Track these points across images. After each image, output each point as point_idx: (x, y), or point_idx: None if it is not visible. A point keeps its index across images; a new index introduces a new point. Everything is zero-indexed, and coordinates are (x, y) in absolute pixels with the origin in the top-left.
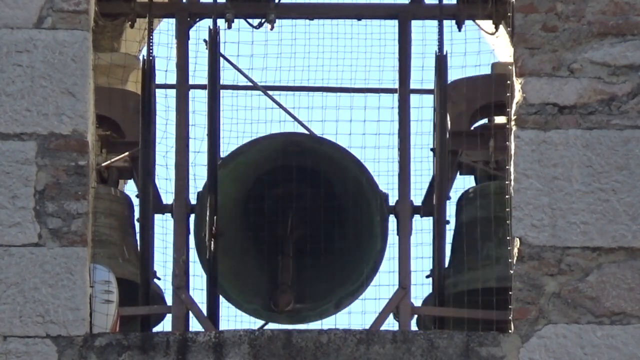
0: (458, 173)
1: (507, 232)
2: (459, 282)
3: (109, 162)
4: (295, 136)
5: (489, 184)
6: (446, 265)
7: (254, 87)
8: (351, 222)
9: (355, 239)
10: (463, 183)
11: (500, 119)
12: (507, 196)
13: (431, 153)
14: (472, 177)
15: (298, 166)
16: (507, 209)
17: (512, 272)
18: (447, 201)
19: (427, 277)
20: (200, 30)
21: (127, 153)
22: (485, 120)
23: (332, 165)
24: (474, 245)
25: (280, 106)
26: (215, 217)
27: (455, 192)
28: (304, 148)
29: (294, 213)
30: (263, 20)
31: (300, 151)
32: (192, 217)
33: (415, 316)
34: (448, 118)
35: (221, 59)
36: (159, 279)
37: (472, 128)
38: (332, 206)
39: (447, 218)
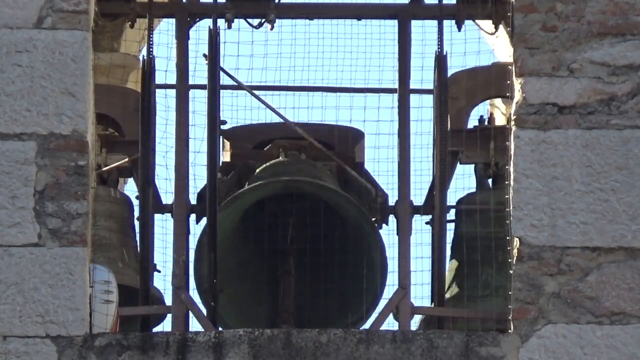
0: (458, 163)
1: (507, 233)
2: (459, 316)
3: (109, 167)
4: (295, 183)
5: (488, 198)
6: (445, 270)
7: (239, 87)
8: (351, 259)
9: (355, 273)
10: (463, 183)
11: (499, 116)
12: (506, 196)
13: (431, 153)
14: (471, 177)
15: (297, 208)
16: (507, 209)
17: (511, 272)
18: (447, 202)
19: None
20: (200, 30)
21: (126, 159)
22: (485, 110)
23: (332, 212)
24: (473, 266)
25: (268, 106)
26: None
27: (455, 193)
28: (304, 192)
29: (293, 239)
30: (263, 20)
31: (300, 195)
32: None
33: (417, 317)
34: (448, 118)
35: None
36: (158, 271)
37: (472, 125)
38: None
39: (447, 218)
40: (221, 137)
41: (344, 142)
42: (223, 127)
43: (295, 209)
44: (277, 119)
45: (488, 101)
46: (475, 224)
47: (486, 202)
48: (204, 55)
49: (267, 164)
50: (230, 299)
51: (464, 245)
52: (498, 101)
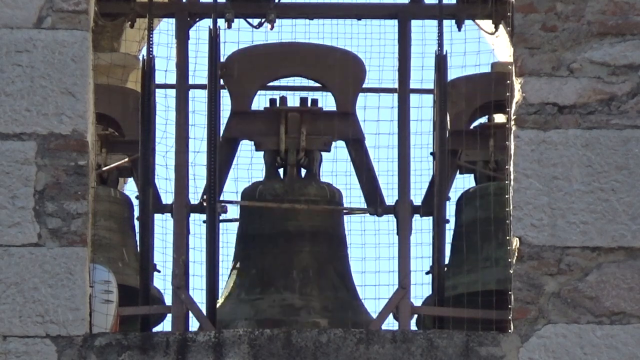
0: (458, 172)
1: (507, 233)
2: (459, 284)
3: (109, 167)
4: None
5: (488, 184)
6: (446, 264)
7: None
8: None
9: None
10: (463, 183)
11: (500, 118)
12: (506, 196)
13: (430, 152)
14: (471, 177)
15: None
16: (506, 209)
17: (511, 271)
18: (447, 201)
19: (427, 273)
20: (200, 30)
21: (126, 159)
22: (485, 119)
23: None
24: (474, 246)
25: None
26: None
27: (455, 192)
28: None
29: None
30: (263, 20)
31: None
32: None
33: (415, 316)
34: (448, 118)
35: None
36: (158, 271)
37: (471, 127)
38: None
39: (447, 217)
40: (221, 80)
41: (344, 88)
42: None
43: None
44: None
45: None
46: (475, 209)
47: (486, 190)
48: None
49: (262, 214)
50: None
51: (463, 226)
52: (498, 116)
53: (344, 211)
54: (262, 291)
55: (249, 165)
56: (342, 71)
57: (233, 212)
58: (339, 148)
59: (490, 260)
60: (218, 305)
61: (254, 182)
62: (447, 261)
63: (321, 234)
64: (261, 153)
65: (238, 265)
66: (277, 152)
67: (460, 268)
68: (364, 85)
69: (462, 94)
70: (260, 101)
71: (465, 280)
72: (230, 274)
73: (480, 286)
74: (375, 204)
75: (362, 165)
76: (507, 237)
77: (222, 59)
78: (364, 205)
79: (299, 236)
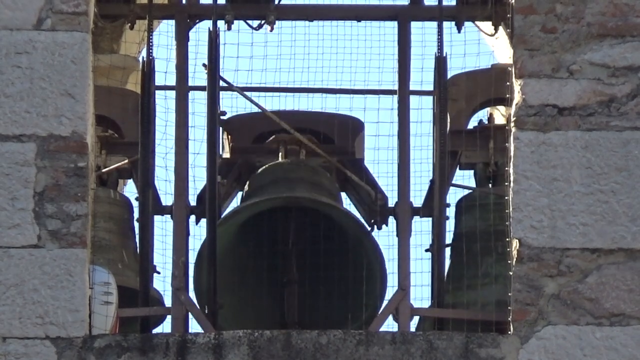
0: (458, 168)
1: (507, 235)
2: (458, 303)
3: (108, 168)
4: (294, 199)
5: (488, 194)
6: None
7: (230, 88)
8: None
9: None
10: (463, 183)
11: (499, 117)
12: (506, 197)
13: (430, 154)
14: (471, 179)
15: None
16: (506, 211)
17: (511, 273)
18: (446, 205)
19: (426, 251)
20: (199, 32)
21: (126, 160)
22: (485, 112)
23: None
24: (473, 258)
25: (260, 107)
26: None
27: (455, 194)
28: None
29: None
30: (263, 21)
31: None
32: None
33: (416, 318)
34: (448, 119)
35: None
36: (158, 272)
37: (471, 126)
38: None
39: (447, 215)
40: (221, 129)
41: (344, 134)
42: (223, 117)
43: (294, 223)
44: (277, 107)
45: (488, 108)
46: (474, 218)
47: (486, 196)
48: (203, 64)
49: (267, 166)
50: (232, 311)
51: (463, 238)
52: (497, 114)
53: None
54: (262, 194)
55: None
56: (340, 124)
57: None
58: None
59: (489, 276)
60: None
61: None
62: (446, 264)
63: (326, 216)
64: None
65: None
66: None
67: (459, 283)
68: (364, 87)
69: (463, 91)
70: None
71: (464, 299)
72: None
73: (479, 307)
74: (374, 213)
75: (361, 176)
76: (507, 239)
77: (222, 64)
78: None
79: (301, 212)
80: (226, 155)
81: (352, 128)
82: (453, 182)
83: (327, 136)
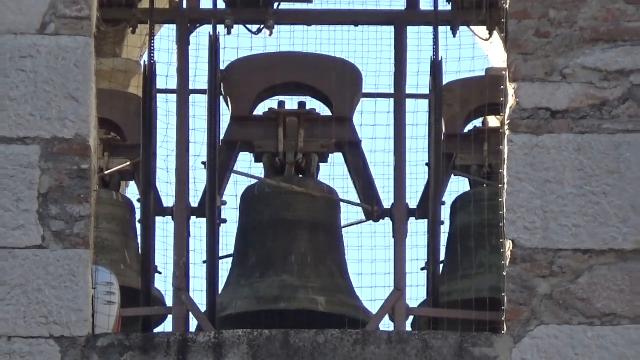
0: (452, 175)
1: (500, 236)
2: (453, 291)
3: (111, 170)
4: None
5: (482, 190)
6: (441, 268)
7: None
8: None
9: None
10: (457, 186)
11: (493, 120)
12: (500, 199)
13: (426, 156)
14: (466, 180)
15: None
16: (500, 212)
17: (504, 274)
18: (442, 206)
19: (422, 269)
20: (200, 36)
21: (128, 163)
22: (479, 121)
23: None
24: (468, 252)
25: (256, 177)
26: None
27: (450, 195)
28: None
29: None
30: (262, 26)
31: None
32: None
33: (411, 317)
34: (443, 122)
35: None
36: (160, 273)
37: (466, 130)
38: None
39: (442, 219)
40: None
41: (341, 96)
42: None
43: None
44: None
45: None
46: (469, 214)
47: (480, 195)
48: (203, 162)
49: (260, 192)
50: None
51: (457, 231)
52: (492, 118)
53: (341, 202)
54: (261, 275)
55: (248, 168)
56: (338, 77)
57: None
58: (336, 152)
59: (484, 266)
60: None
61: (252, 184)
62: (442, 263)
63: (319, 225)
64: (260, 163)
65: (238, 256)
66: (275, 154)
67: (454, 274)
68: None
69: (458, 97)
70: (260, 109)
71: (459, 288)
72: (231, 265)
73: (473, 294)
74: (371, 209)
75: (359, 169)
76: (501, 240)
77: (222, 65)
78: (360, 212)
79: (298, 225)
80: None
81: (350, 84)
82: (448, 184)
83: (325, 98)
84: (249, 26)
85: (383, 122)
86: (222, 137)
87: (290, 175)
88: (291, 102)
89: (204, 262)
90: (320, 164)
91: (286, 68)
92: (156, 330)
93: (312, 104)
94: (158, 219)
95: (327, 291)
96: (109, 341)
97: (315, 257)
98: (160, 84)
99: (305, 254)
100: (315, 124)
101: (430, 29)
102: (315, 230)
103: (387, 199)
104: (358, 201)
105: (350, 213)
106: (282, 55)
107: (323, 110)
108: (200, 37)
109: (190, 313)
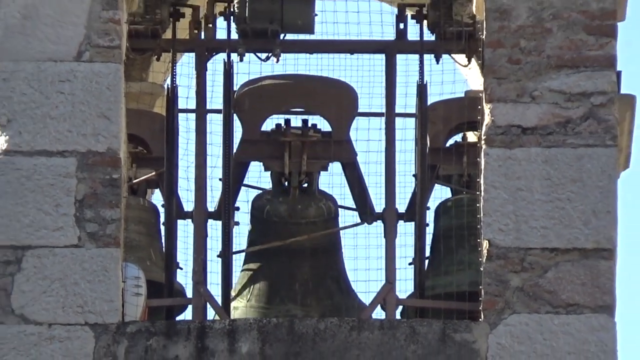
0: (436, 184)
1: (478, 237)
2: (437, 285)
3: (138, 179)
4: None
5: (462, 197)
6: (426, 264)
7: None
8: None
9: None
10: (440, 193)
11: (472, 136)
12: (478, 204)
13: (413, 167)
14: (448, 188)
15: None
16: (478, 216)
17: (482, 269)
18: (427, 210)
19: (410, 264)
20: (216, 63)
21: (153, 173)
22: (460, 136)
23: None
24: (450, 250)
25: (260, 189)
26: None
27: (434, 201)
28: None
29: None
30: (270, 54)
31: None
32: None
33: (400, 307)
34: (428, 138)
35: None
36: (181, 268)
37: (448, 145)
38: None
39: (427, 222)
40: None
41: (339, 119)
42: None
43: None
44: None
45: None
46: (451, 218)
47: (460, 202)
48: (220, 179)
49: (268, 219)
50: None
51: (440, 233)
52: (470, 134)
53: (339, 208)
54: (268, 301)
55: (257, 180)
56: (337, 102)
57: (244, 219)
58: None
59: (463, 263)
60: (232, 302)
61: (262, 192)
62: (427, 259)
63: (319, 250)
64: (268, 172)
65: (248, 271)
66: (282, 174)
67: (438, 270)
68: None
69: (440, 116)
70: (267, 124)
71: (442, 282)
72: (242, 273)
73: (455, 288)
74: (365, 213)
75: (355, 181)
76: (478, 240)
77: (236, 87)
78: (356, 216)
79: (300, 253)
80: (238, 159)
81: (347, 107)
82: (432, 191)
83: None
84: (258, 54)
85: (375, 138)
86: (234, 150)
87: (294, 198)
88: (295, 119)
89: (218, 256)
90: (321, 171)
91: (291, 95)
92: (178, 318)
93: (314, 119)
94: (179, 221)
95: (326, 317)
96: (137, 328)
97: (316, 282)
98: (181, 104)
99: (307, 281)
100: (316, 146)
101: (416, 56)
102: (315, 255)
103: (379, 205)
104: (354, 206)
105: (347, 217)
106: (286, 85)
107: (323, 124)
108: (216, 63)
109: (208, 303)
